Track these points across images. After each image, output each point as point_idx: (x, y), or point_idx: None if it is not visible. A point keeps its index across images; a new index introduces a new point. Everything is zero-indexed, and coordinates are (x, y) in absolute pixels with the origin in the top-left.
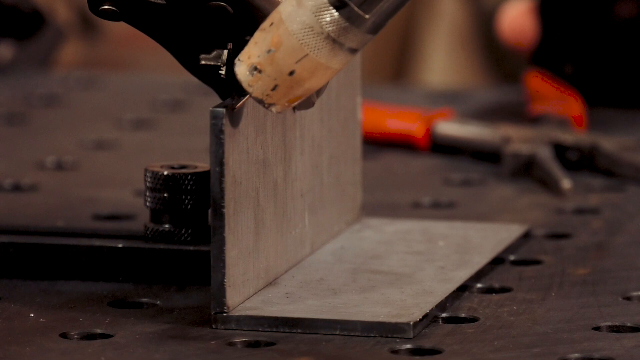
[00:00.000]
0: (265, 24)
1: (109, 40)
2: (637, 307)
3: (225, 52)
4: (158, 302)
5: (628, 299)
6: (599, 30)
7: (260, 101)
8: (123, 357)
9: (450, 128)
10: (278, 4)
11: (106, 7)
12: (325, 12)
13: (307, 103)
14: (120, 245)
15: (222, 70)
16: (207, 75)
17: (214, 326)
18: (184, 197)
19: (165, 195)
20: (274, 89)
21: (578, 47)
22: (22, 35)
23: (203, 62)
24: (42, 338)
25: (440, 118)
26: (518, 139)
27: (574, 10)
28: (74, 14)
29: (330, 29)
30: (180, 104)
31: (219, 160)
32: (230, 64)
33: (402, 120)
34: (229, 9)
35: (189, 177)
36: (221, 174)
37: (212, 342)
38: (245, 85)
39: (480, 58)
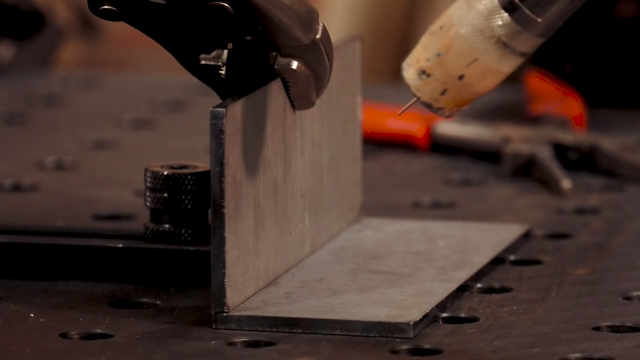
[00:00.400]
0: (434, 27)
1: (108, 40)
2: (637, 307)
3: (225, 52)
4: (158, 302)
5: (628, 299)
6: (600, 30)
7: (428, 105)
8: (123, 357)
9: (450, 128)
10: (279, 3)
11: (106, 7)
12: (497, 16)
13: (307, 103)
14: (120, 245)
15: (222, 70)
16: (207, 75)
17: (214, 326)
18: (184, 197)
19: (165, 195)
20: (442, 93)
21: (578, 47)
22: (22, 35)
23: (203, 62)
24: (42, 338)
25: (440, 118)
26: (518, 139)
27: (579, 11)
28: (73, 14)
29: (501, 32)
30: (180, 104)
31: (219, 160)
32: (230, 64)
33: (402, 120)
34: (229, 8)
35: (189, 177)
36: (221, 174)
37: (212, 342)
38: (413, 89)
39: None
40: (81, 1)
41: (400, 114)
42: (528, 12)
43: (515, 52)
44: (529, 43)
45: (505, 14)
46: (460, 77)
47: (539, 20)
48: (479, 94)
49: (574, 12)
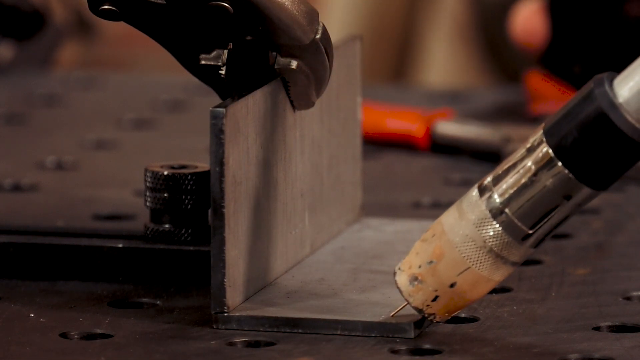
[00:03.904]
0: (427, 235)
1: (108, 41)
2: (637, 307)
3: (226, 52)
4: (158, 302)
5: (628, 299)
6: (609, 30)
7: (419, 311)
8: (123, 357)
9: (450, 128)
10: (279, 3)
11: (106, 7)
12: (488, 226)
13: (307, 103)
14: (120, 245)
15: (222, 70)
16: (207, 75)
17: (214, 326)
18: (184, 197)
19: (165, 195)
20: (434, 299)
21: (588, 47)
22: (22, 35)
23: (203, 62)
24: (42, 338)
25: (440, 118)
26: (518, 139)
27: (584, 11)
28: (70, 15)
29: (492, 243)
30: (180, 104)
31: (219, 160)
32: (230, 63)
33: (402, 120)
34: (230, 8)
35: (189, 177)
36: (221, 174)
37: (212, 342)
38: (405, 294)
39: (480, 58)
40: (78, 1)
41: (392, 316)
42: (519, 224)
43: (507, 261)
44: (519, 253)
45: (497, 225)
46: (452, 285)
47: (530, 232)
48: (470, 301)
49: (564, 224)
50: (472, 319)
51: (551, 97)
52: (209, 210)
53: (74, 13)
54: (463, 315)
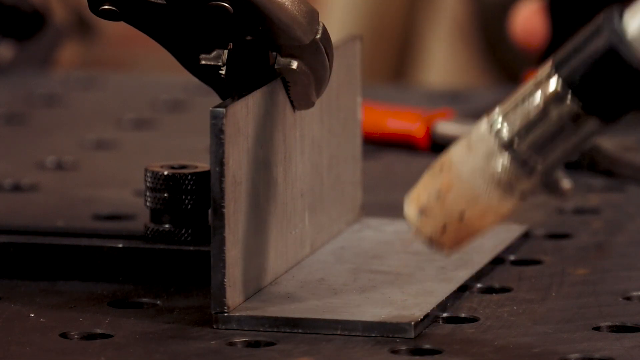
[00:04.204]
0: (435, 167)
1: (108, 41)
2: (637, 307)
3: (226, 52)
4: (158, 302)
5: (628, 299)
6: None
7: (428, 243)
8: (123, 357)
9: (450, 128)
10: (279, 3)
11: (106, 7)
12: (497, 158)
13: (307, 103)
14: (120, 245)
15: (222, 70)
16: (207, 75)
17: (214, 326)
18: (184, 197)
19: (165, 195)
20: (442, 231)
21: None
22: (22, 35)
23: (203, 62)
24: (42, 338)
25: (440, 118)
26: None
27: (584, 11)
28: (70, 15)
29: (501, 175)
30: (180, 104)
31: (219, 160)
32: (230, 63)
33: (402, 120)
34: (229, 8)
35: (189, 177)
36: (221, 174)
37: (212, 342)
38: (414, 227)
39: (480, 58)
40: (78, 1)
41: (404, 250)
42: (527, 155)
43: (514, 193)
44: (528, 185)
45: (505, 157)
46: (460, 217)
47: (538, 164)
48: (478, 232)
49: (572, 157)
50: (472, 319)
51: None
52: (209, 210)
53: (74, 13)
54: (463, 315)
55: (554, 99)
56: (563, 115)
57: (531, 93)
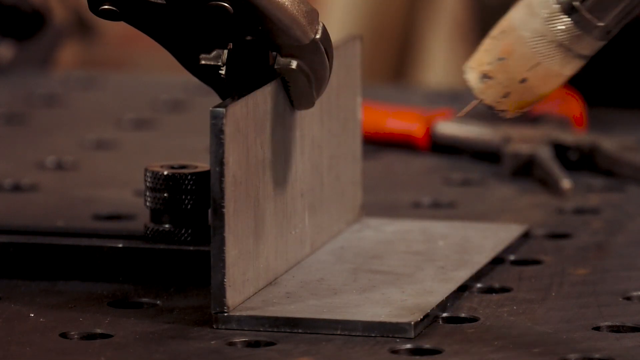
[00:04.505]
0: (495, 32)
1: (108, 41)
2: (637, 307)
3: (225, 52)
4: (158, 302)
5: (628, 299)
6: None
7: (490, 108)
8: (123, 357)
9: (450, 128)
10: (279, 3)
11: (106, 7)
12: (558, 20)
13: (307, 103)
14: (120, 245)
15: (222, 70)
16: (207, 75)
17: (214, 326)
18: (184, 197)
19: (165, 195)
20: (505, 96)
21: None
22: (22, 35)
23: (203, 62)
24: (42, 338)
25: (440, 118)
26: (518, 139)
27: None
28: (70, 15)
29: (562, 37)
30: (180, 104)
31: (219, 160)
32: (230, 63)
33: (402, 120)
34: (229, 8)
35: (189, 177)
36: (221, 174)
37: (212, 342)
38: (476, 92)
39: None
40: (78, 2)
41: (460, 116)
42: (589, 16)
43: (577, 55)
44: (590, 47)
45: (567, 19)
46: (523, 81)
47: (600, 24)
48: (541, 96)
49: (634, 16)
50: (472, 319)
51: (551, 97)
52: (209, 210)
53: (74, 13)
54: (463, 315)
55: None
56: None
57: None
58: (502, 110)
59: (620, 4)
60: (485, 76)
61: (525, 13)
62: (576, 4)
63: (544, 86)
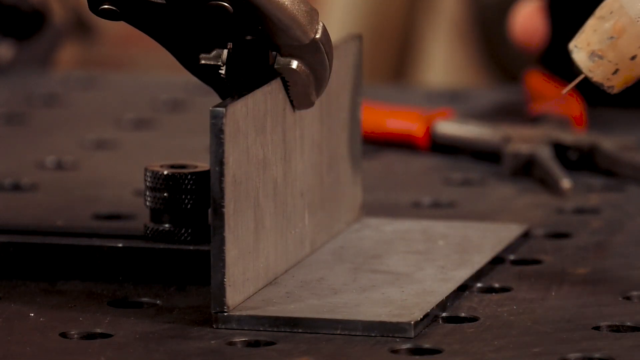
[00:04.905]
0: (603, 12)
1: (107, 41)
2: (637, 307)
3: (225, 51)
4: (158, 302)
5: (628, 298)
6: None
7: (599, 85)
8: (123, 357)
9: (450, 128)
10: (278, 3)
11: (106, 6)
12: None
13: (307, 103)
14: (120, 245)
15: (222, 69)
16: (207, 75)
17: (214, 326)
18: (184, 196)
19: (165, 194)
20: (614, 72)
21: None
22: (22, 35)
23: (203, 62)
24: (42, 338)
25: (440, 118)
26: (518, 139)
27: (584, 10)
28: (69, 16)
29: None
30: (180, 104)
31: (219, 160)
32: (230, 63)
33: (402, 120)
34: (229, 8)
35: (189, 176)
36: (221, 174)
37: (212, 342)
38: (585, 70)
39: (480, 58)
40: (77, 3)
41: (565, 93)
42: None
43: None
44: None
45: None
46: (633, 58)
47: None
48: None
49: None
50: (472, 319)
51: (551, 97)
52: (209, 210)
53: (73, 14)
54: (463, 314)
55: None
56: None
57: None
58: (610, 87)
59: None
60: (595, 55)
61: None
62: None
63: None
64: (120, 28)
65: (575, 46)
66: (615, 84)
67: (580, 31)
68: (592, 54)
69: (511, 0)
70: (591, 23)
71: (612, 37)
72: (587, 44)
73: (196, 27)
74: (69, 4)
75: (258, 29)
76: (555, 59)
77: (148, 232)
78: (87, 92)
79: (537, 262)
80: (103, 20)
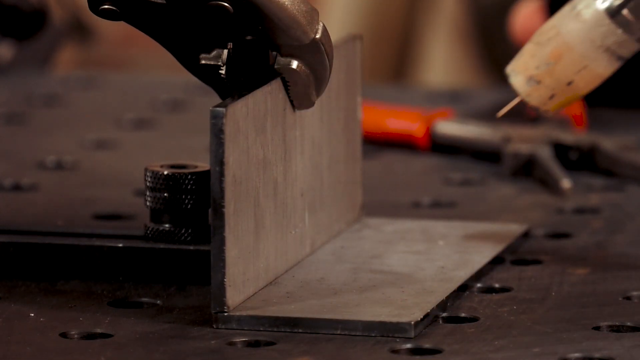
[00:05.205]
0: (541, 38)
1: (107, 42)
2: (637, 307)
3: (225, 51)
4: (158, 302)
5: (628, 299)
6: None
7: (535, 109)
8: (123, 357)
9: (450, 128)
10: (279, 3)
11: (106, 6)
12: (605, 25)
13: (307, 103)
14: (120, 245)
15: (222, 70)
16: (207, 75)
17: (214, 326)
18: (184, 196)
19: (165, 194)
20: (551, 97)
21: None
22: (23, 35)
23: (203, 62)
24: (42, 338)
25: (440, 118)
26: (518, 139)
27: None
28: (68, 18)
29: (610, 41)
30: (180, 104)
31: (219, 160)
32: (230, 63)
33: (402, 120)
34: (229, 8)
35: (189, 176)
36: (221, 174)
37: (212, 342)
38: (523, 95)
39: (480, 58)
40: (75, 5)
41: (499, 116)
42: (635, 21)
43: (619, 58)
44: (630, 49)
45: (614, 24)
46: (569, 84)
47: None
48: (582, 95)
49: None
50: (472, 319)
51: None
52: (209, 210)
53: (72, 16)
54: (463, 315)
55: None
56: None
57: None
58: (545, 111)
59: None
60: (532, 80)
61: (571, 18)
62: (623, 9)
63: (587, 87)
64: (120, 28)
65: (513, 70)
66: (550, 107)
67: (518, 55)
68: (530, 79)
69: (511, 0)
70: (529, 48)
71: (549, 63)
72: (524, 69)
73: (196, 27)
74: (67, 6)
75: (258, 29)
76: None
77: (148, 232)
78: (87, 92)
79: (537, 262)
80: (103, 20)
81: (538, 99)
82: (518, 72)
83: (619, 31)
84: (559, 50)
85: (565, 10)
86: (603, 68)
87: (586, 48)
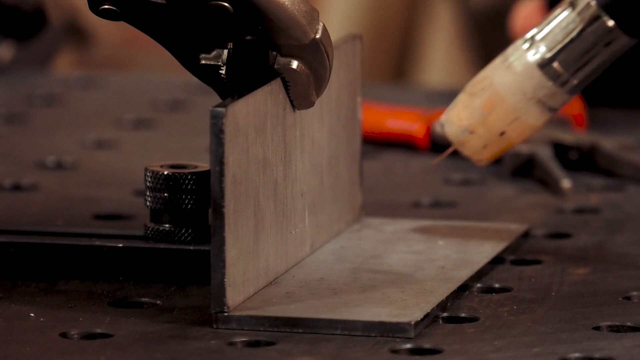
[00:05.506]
0: (473, 88)
1: (106, 43)
2: (637, 307)
3: (225, 52)
4: (158, 302)
5: (628, 299)
6: None
7: (468, 158)
8: (123, 357)
9: None
10: (279, 3)
11: (106, 6)
12: (536, 78)
13: (307, 103)
14: (120, 245)
15: (222, 70)
16: (207, 75)
17: (214, 326)
18: (184, 196)
19: (165, 195)
20: (484, 147)
21: None
22: (23, 35)
23: (203, 62)
24: (42, 338)
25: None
26: None
27: None
28: (65, 21)
29: (541, 93)
30: (180, 104)
31: (219, 160)
32: (230, 63)
33: (402, 120)
34: (229, 8)
35: (189, 176)
36: (221, 174)
37: (212, 342)
38: (457, 144)
39: (480, 58)
40: (72, 8)
41: (434, 164)
42: (565, 73)
43: (550, 109)
44: (561, 101)
45: (545, 76)
46: (502, 134)
47: (575, 81)
48: (514, 145)
49: (600, 72)
50: (472, 319)
51: None
52: (209, 210)
53: (68, 19)
54: (463, 315)
55: (590, 18)
56: (597, 34)
57: (567, 14)
58: (478, 160)
59: (592, 61)
60: (466, 130)
61: (503, 70)
62: (554, 61)
63: (519, 137)
64: (120, 28)
65: (447, 120)
66: (483, 157)
67: (451, 106)
68: (464, 129)
69: (509, 1)
70: (462, 98)
71: (482, 114)
72: (458, 119)
73: (196, 27)
74: (64, 9)
75: (258, 29)
76: None
77: (148, 232)
78: (87, 92)
79: (537, 262)
80: (103, 21)
81: (471, 148)
82: (452, 122)
83: (550, 83)
84: (492, 101)
85: (497, 61)
86: (535, 119)
87: (518, 100)
